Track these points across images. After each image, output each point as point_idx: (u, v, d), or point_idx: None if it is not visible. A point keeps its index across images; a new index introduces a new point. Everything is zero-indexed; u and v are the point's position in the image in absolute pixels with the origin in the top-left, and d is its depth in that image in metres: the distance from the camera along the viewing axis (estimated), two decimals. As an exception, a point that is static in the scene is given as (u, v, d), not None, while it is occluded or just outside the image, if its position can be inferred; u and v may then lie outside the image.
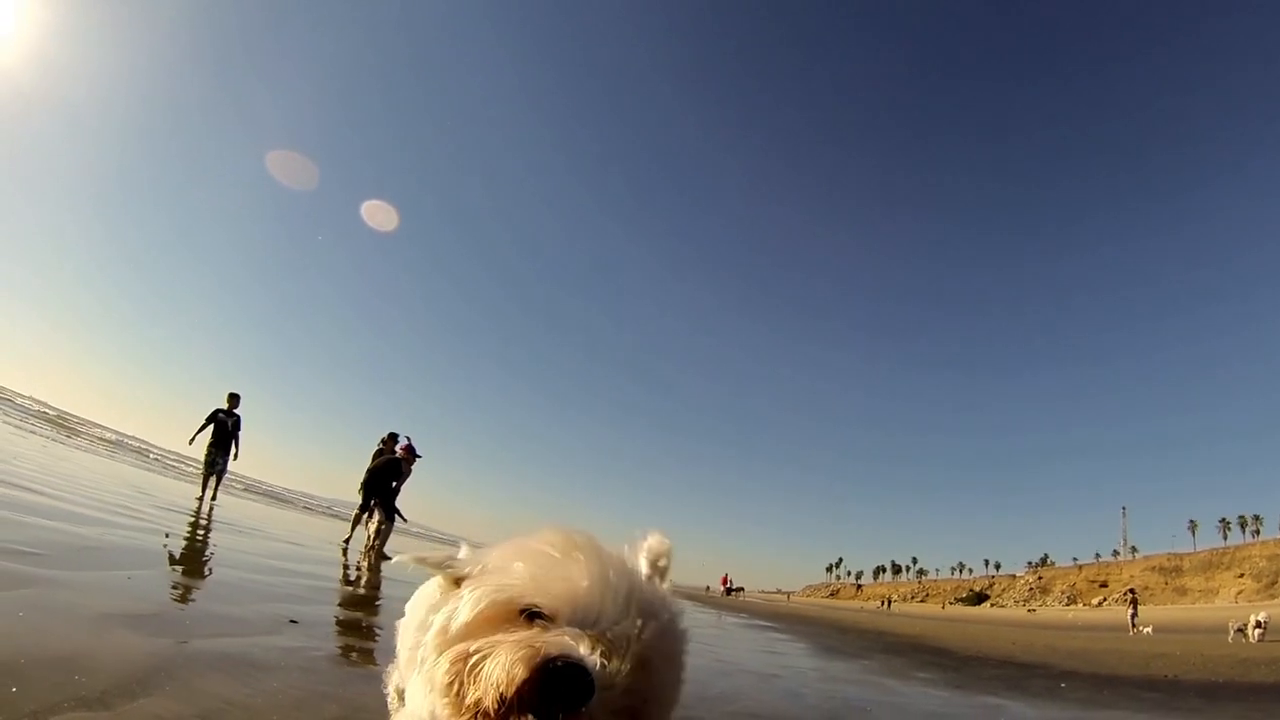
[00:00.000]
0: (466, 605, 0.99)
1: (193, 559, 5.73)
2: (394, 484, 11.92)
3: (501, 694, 0.86)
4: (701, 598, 37.92)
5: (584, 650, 0.89)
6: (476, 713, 0.89)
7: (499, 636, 0.92)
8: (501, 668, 0.88)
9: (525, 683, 0.85)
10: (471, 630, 0.97)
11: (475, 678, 0.90)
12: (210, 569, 5.52)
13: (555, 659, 0.86)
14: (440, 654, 0.97)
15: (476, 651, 0.91)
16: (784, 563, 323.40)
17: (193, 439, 13.05)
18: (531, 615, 0.96)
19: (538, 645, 0.88)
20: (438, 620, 1.02)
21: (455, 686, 0.92)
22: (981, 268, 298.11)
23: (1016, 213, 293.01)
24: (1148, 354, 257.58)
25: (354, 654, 3.55)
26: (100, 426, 40.13)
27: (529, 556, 1.02)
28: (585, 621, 0.94)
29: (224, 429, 13.12)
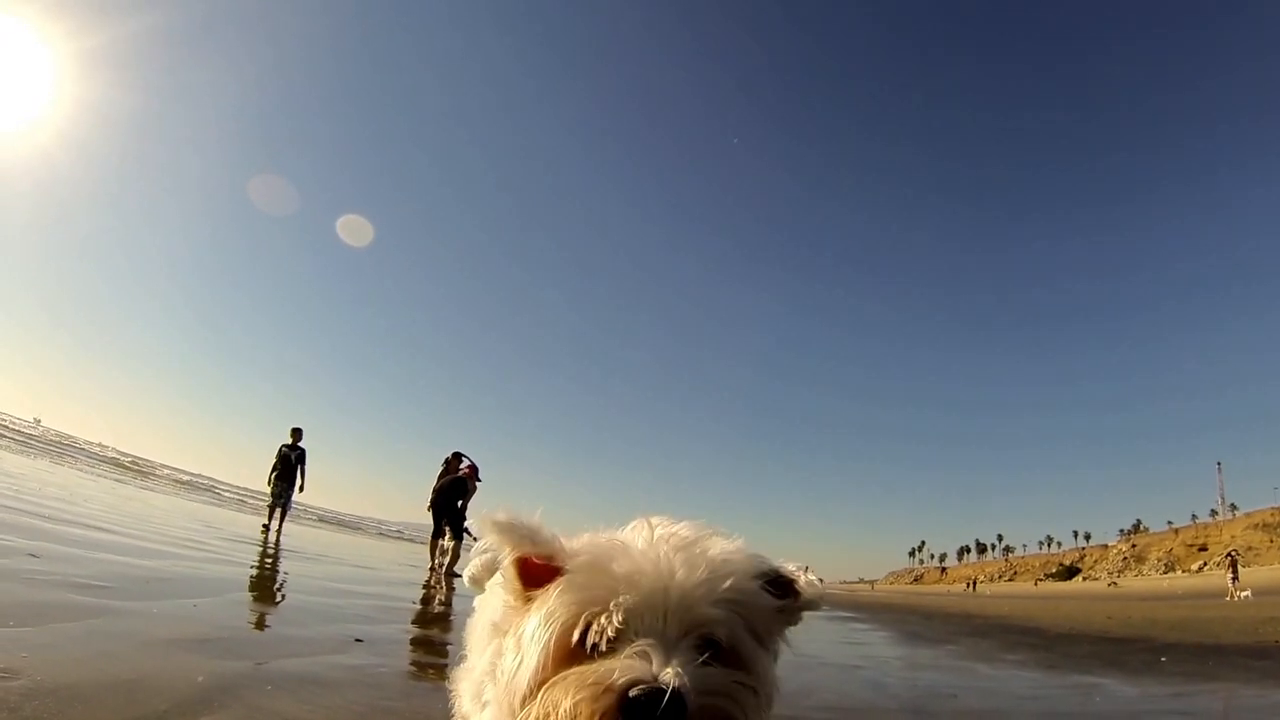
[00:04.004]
0: (534, 646, 0.91)
1: (259, 585, 5.89)
2: (460, 503, 12.08)
3: None
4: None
5: (655, 666, 0.81)
6: None
7: (563, 681, 0.85)
8: (568, 713, 0.81)
9: None
10: (544, 677, 0.89)
11: None
12: (275, 594, 5.65)
13: (627, 692, 0.79)
14: (518, 703, 0.90)
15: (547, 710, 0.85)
16: (864, 551, 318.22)
17: (270, 479, 13.58)
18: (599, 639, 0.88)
19: (603, 681, 0.81)
20: (505, 666, 0.95)
21: None
22: (1045, 244, 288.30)
23: (1106, 187, 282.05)
24: (1238, 300, 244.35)
25: (428, 670, 3.54)
26: (172, 469, 41.86)
27: (580, 568, 0.94)
28: (651, 617, 0.87)
29: (288, 463, 13.62)
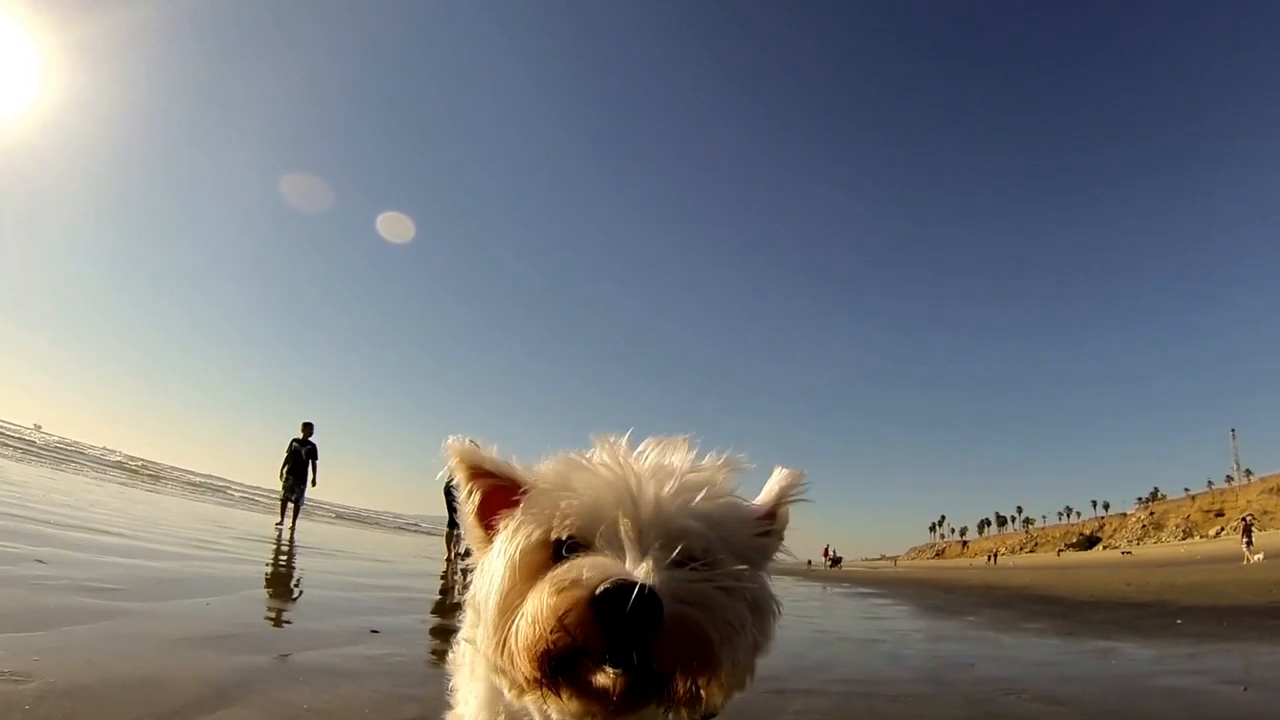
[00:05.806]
0: (500, 561, 0.87)
1: (273, 582, 5.88)
2: None
3: (546, 649, 0.76)
4: (804, 572, 37.26)
5: (629, 564, 0.77)
6: (542, 678, 0.78)
7: (532, 588, 0.81)
8: (535, 617, 0.77)
9: (576, 628, 0.74)
10: (514, 591, 0.85)
11: (509, 646, 0.80)
12: (290, 590, 5.64)
13: (596, 588, 0.74)
14: (490, 628, 0.86)
15: (515, 614, 0.81)
16: (886, 528, 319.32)
17: (281, 474, 13.55)
18: (570, 548, 0.85)
19: (568, 578, 0.76)
20: (478, 592, 0.91)
21: (508, 658, 0.81)
22: (1057, 232, 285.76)
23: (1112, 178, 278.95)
24: (1247, 276, 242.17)
25: (445, 658, 3.51)
26: (182, 471, 41.56)
27: (546, 485, 0.90)
28: (623, 529, 0.82)
29: (298, 458, 13.55)
